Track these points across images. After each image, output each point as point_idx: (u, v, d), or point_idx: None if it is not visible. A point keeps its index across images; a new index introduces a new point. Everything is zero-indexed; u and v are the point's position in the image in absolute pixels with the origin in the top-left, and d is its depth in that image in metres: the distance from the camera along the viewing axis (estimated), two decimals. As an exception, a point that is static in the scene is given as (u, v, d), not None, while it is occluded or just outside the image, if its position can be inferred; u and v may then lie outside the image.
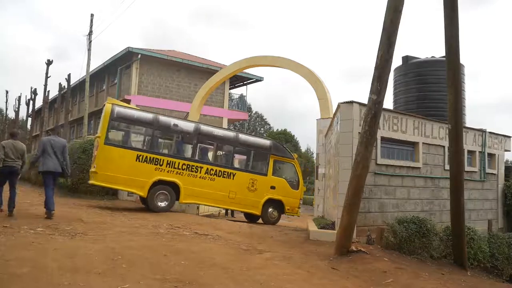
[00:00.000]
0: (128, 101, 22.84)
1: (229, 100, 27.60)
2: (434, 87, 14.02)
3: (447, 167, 10.46)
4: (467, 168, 11.55)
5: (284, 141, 40.72)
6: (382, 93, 7.10)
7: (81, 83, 27.57)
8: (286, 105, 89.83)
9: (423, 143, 10.65)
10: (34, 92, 35.41)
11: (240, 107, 28.94)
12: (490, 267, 8.42)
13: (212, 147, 12.88)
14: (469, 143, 12.18)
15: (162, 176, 11.44)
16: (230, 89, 28.27)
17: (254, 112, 57.19)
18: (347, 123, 9.15)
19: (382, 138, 9.64)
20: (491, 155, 13.43)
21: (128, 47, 22.81)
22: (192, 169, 11.87)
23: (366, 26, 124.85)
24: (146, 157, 11.31)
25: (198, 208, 16.45)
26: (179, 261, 5.54)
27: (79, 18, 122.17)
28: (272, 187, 12.72)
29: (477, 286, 6.70)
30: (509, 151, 14.52)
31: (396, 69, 15.31)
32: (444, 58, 7.97)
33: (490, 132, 13.32)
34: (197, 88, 21.80)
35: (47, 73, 30.59)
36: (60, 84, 30.55)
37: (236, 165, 13.43)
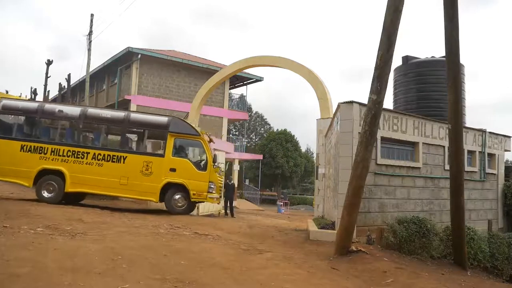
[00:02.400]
0: (128, 101, 22.89)
1: (229, 100, 27.61)
2: (434, 87, 14.03)
3: (447, 167, 10.46)
4: (467, 168, 11.56)
5: (284, 141, 40.69)
6: (382, 93, 7.10)
7: (81, 83, 27.57)
8: (286, 105, 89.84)
9: (423, 143, 10.65)
10: (34, 92, 35.42)
11: (240, 107, 28.95)
12: (490, 267, 8.42)
13: (101, 130, 12.14)
14: (469, 143, 12.18)
15: (46, 164, 11.25)
16: (230, 89, 28.28)
17: (254, 112, 57.15)
18: (347, 123, 9.15)
19: (382, 138, 9.64)
20: (491, 155, 13.43)
21: (128, 47, 22.82)
22: (78, 156, 11.36)
23: (366, 26, 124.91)
24: (30, 146, 11.32)
25: (198, 208, 16.48)
26: (179, 261, 5.54)
27: (80, 18, 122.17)
28: (172, 170, 11.38)
29: (477, 286, 6.70)
30: (509, 151, 14.52)
31: (396, 69, 15.32)
32: (444, 58, 7.97)
33: (490, 132, 13.33)
34: (197, 88, 21.81)
35: (47, 73, 30.61)
36: (60, 84, 30.58)
37: (130, 147, 12.32)
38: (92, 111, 12.35)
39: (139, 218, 10.04)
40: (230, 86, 28.00)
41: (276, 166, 39.48)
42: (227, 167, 18.37)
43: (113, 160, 11.38)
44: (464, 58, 16.15)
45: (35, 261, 4.70)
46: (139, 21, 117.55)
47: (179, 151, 11.74)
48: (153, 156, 11.64)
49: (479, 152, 12.74)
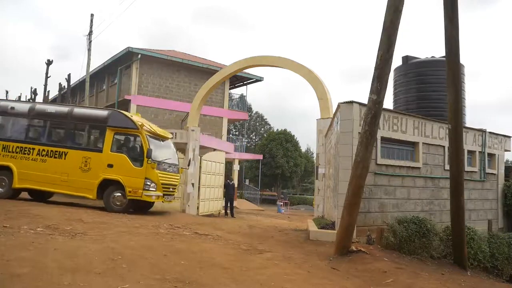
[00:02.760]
0: (128, 101, 22.88)
1: (229, 100, 27.60)
2: (434, 87, 14.02)
3: (447, 167, 10.46)
4: (467, 168, 11.56)
5: (284, 141, 40.68)
6: (382, 93, 7.10)
7: (81, 83, 27.57)
8: (286, 105, 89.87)
9: (423, 143, 10.65)
10: (34, 92, 35.44)
11: (240, 107, 28.94)
12: (490, 267, 8.42)
13: (46, 126, 12.05)
14: (469, 143, 12.18)
15: None
16: (230, 89, 28.27)
17: (254, 112, 57.15)
18: (347, 123, 9.15)
19: (382, 138, 9.64)
20: (491, 155, 13.43)
21: (128, 47, 22.81)
22: (25, 152, 11.51)
23: (366, 26, 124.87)
24: None
25: (198, 208, 16.47)
26: (179, 261, 5.54)
27: (80, 18, 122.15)
28: (110, 165, 10.92)
29: (477, 286, 6.70)
30: (509, 151, 14.52)
31: (396, 69, 15.31)
32: (444, 58, 7.97)
33: (490, 132, 13.33)
34: (197, 88, 21.80)
35: (47, 73, 30.60)
36: (60, 84, 30.56)
37: (71, 143, 11.79)
38: (39, 107, 12.49)
39: (139, 218, 10.04)
40: (230, 86, 27.99)
41: (276, 166, 39.47)
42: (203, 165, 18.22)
43: (55, 156, 11.33)
44: (464, 58, 16.12)
45: (35, 261, 4.70)
46: (139, 21, 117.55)
47: (119, 146, 11.30)
48: (92, 151, 11.24)
49: (479, 152, 12.74)
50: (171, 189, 11.81)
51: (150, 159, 10.75)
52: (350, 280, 5.72)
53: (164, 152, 11.88)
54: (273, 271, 5.65)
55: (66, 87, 28.22)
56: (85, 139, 11.88)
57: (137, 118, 11.53)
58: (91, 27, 24.03)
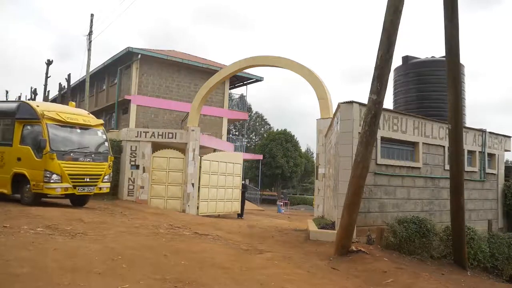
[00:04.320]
0: (128, 101, 22.88)
1: (229, 100, 27.60)
2: (434, 87, 14.02)
3: (447, 167, 10.46)
4: (467, 168, 11.55)
5: (284, 141, 40.68)
6: (382, 93, 7.10)
7: (81, 83, 27.57)
8: (286, 105, 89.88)
9: (423, 143, 10.65)
10: (34, 92, 35.46)
11: (240, 107, 28.94)
12: (490, 267, 8.43)
13: None
14: (469, 143, 12.18)
15: None
16: (230, 89, 28.27)
17: (254, 112, 57.14)
18: (347, 123, 9.14)
19: (382, 138, 9.64)
20: (491, 155, 13.43)
21: (128, 47, 22.81)
22: None
23: (366, 26, 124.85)
24: None
25: (198, 208, 16.46)
26: (179, 261, 5.54)
27: (80, 18, 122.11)
28: (19, 159, 10.89)
29: (477, 286, 6.70)
30: (509, 151, 14.52)
31: (396, 69, 15.31)
32: (444, 58, 7.97)
33: (490, 132, 13.32)
34: (197, 88, 21.80)
35: (47, 73, 30.61)
36: (60, 84, 30.58)
37: None
38: None
39: (139, 218, 10.04)
40: (230, 86, 27.99)
41: (276, 166, 39.46)
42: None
43: None
44: (464, 58, 16.16)
45: (35, 261, 4.71)
46: (139, 21, 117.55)
47: (26, 138, 11.03)
48: (5, 146, 11.27)
49: (479, 152, 12.73)
50: (87, 180, 11.19)
51: (49, 150, 10.36)
52: (350, 280, 5.72)
53: (80, 140, 11.44)
54: (273, 271, 5.65)
55: (66, 87, 28.23)
56: (0, 134, 11.76)
57: (43, 107, 11.23)
58: (91, 27, 24.04)
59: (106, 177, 11.78)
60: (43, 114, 10.71)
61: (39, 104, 11.65)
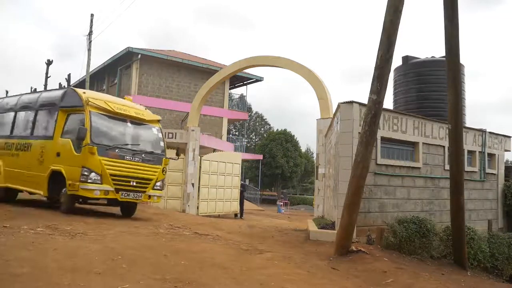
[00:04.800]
0: (128, 101, 22.88)
1: (229, 100, 27.61)
2: (434, 87, 14.02)
3: (447, 167, 10.46)
4: (467, 168, 11.55)
5: (284, 141, 40.69)
6: (382, 93, 7.10)
7: (81, 83, 27.58)
8: (286, 105, 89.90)
9: (423, 143, 10.65)
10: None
11: (240, 107, 28.95)
12: (490, 267, 8.43)
13: (14, 119, 11.16)
14: (469, 143, 12.18)
15: None
16: (230, 89, 28.29)
17: (254, 112, 57.16)
18: (347, 123, 9.15)
19: (382, 138, 9.64)
20: (491, 155, 13.43)
21: (128, 47, 22.82)
22: (8, 147, 10.70)
23: (366, 26, 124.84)
24: None
25: (198, 208, 16.47)
26: (179, 261, 5.54)
27: (80, 18, 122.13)
28: (58, 154, 9.25)
29: (477, 286, 6.70)
30: (509, 151, 14.52)
31: (396, 69, 15.31)
32: (444, 58, 7.97)
33: (490, 132, 13.32)
34: (197, 88, 21.81)
35: (47, 73, 30.62)
36: (60, 84, 30.59)
37: (33, 133, 10.43)
38: (1, 101, 12.32)
39: (139, 218, 10.04)
40: (230, 86, 28.00)
41: (276, 166, 39.48)
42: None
43: (24, 148, 10.21)
44: (464, 58, 16.18)
45: (35, 261, 4.70)
46: (139, 21, 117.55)
47: (69, 130, 9.35)
48: (46, 139, 9.72)
49: (479, 152, 12.73)
50: (133, 183, 9.27)
51: (89, 142, 8.64)
52: (350, 280, 5.73)
53: (129, 136, 9.69)
54: (273, 271, 5.65)
55: (66, 87, 28.23)
56: (42, 126, 10.15)
57: (90, 94, 9.59)
58: (91, 27, 24.06)
59: (158, 183, 9.84)
60: (87, 100, 9.05)
61: (86, 91, 10.05)
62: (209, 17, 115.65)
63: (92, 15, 24.27)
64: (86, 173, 8.60)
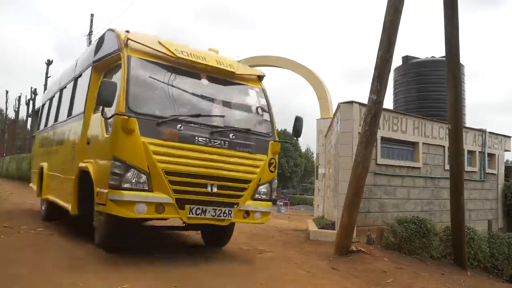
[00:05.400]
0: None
1: (229, 100, 27.58)
2: (434, 87, 14.03)
3: (447, 167, 10.46)
4: (467, 168, 11.56)
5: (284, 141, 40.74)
6: (382, 93, 7.10)
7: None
8: (286, 105, 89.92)
9: (423, 143, 10.66)
10: (34, 92, 35.46)
11: (240, 107, 28.92)
12: (490, 267, 8.43)
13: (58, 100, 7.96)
14: (469, 143, 12.19)
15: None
16: (230, 89, 28.24)
17: (254, 112, 57.20)
18: (347, 123, 9.15)
19: (382, 138, 9.65)
20: (491, 155, 13.43)
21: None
22: (51, 142, 7.76)
23: (366, 26, 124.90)
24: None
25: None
26: (179, 261, 5.50)
27: (81, 18, 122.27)
28: (88, 142, 5.65)
29: (477, 286, 6.70)
30: (509, 151, 14.53)
31: (396, 69, 15.32)
32: (444, 58, 7.97)
33: (490, 132, 13.33)
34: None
35: (47, 73, 30.64)
36: (60, 84, 30.58)
37: (71, 111, 6.80)
38: (53, 80, 9.48)
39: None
40: (230, 86, 27.97)
41: (276, 166, 39.49)
42: None
43: (60, 141, 7.02)
44: (464, 58, 16.17)
45: (35, 261, 4.70)
46: (139, 21, 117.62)
47: (103, 97, 4.80)
48: (77, 121, 6.12)
49: (479, 152, 12.74)
50: (212, 189, 5.05)
51: (123, 110, 4.68)
52: (350, 280, 5.72)
53: (207, 102, 5.53)
54: (273, 271, 5.65)
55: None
56: (77, 102, 6.58)
57: (134, 35, 5.33)
58: (91, 27, 24.08)
59: (262, 187, 5.54)
60: (125, 41, 5.11)
61: (130, 30, 5.47)
62: (209, 17, 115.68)
63: (92, 15, 24.30)
64: (117, 170, 4.59)
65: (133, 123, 4.60)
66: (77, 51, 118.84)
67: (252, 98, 5.99)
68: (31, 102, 36.24)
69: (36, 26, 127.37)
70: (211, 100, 5.57)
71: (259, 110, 5.92)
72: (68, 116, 6.82)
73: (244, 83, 5.96)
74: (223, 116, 5.45)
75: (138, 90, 4.91)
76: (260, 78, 6.24)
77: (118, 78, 5.07)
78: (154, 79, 5.16)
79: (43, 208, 7.94)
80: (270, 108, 5.96)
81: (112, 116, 4.69)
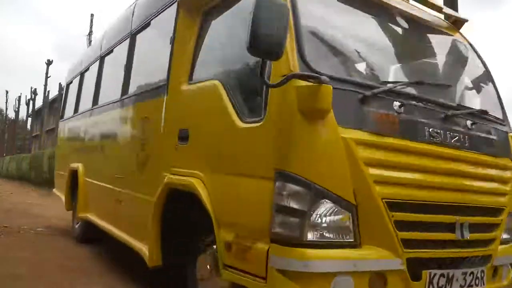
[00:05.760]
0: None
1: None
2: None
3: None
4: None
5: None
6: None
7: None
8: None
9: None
10: (34, 92, 35.52)
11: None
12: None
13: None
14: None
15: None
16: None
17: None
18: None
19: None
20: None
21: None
22: (89, 136, 5.47)
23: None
24: None
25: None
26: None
27: (81, 18, 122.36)
28: (183, 133, 2.84)
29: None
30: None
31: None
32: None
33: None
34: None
35: (47, 73, 30.68)
36: (60, 84, 30.56)
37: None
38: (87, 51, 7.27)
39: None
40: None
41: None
42: None
43: (109, 134, 4.77)
44: (464, 58, 16.12)
45: (35, 261, 4.69)
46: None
47: (273, 38, 1.88)
48: (150, 98, 3.55)
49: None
50: (463, 233, 2.39)
51: (300, 68, 2.06)
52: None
53: (419, 62, 3.09)
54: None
55: (66, 87, 28.22)
56: (143, 71, 4.11)
57: None
58: (91, 27, 24.11)
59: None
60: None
61: None
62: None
63: (92, 15, 24.31)
64: (294, 203, 2.01)
65: (327, 95, 2.00)
66: (77, 51, 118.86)
67: (469, 59, 3.36)
68: (31, 102, 36.27)
69: (36, 26, 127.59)
70: (428, 60, 3.15)
71: (480, 79, 3.33)
72: (122, 95, 4.21)
73: (452, 34, 3.32)
74: (450, 86, 2.95)
75: (314, 37, 2.38)
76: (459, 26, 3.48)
77: (234, 20, 2.74)
78: (334, 20, 2.62)
79: (76, 225, 5.83)
80: (491, 76, 3.37)
81: (282, 82, 2.00)
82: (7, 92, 42.38)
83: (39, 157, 18.62)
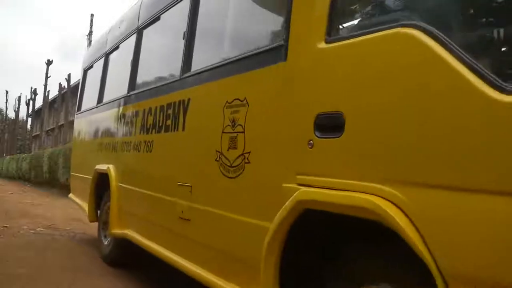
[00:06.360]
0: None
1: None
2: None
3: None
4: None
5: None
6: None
7: (81, 83, 27.49)
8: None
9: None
10: (34, 92, 35.52)
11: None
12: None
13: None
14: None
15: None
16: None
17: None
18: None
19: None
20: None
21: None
22: (127, 130, 4.22)
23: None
24: None
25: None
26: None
27: (81, 18, 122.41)
28: (339, 128, 1.59)
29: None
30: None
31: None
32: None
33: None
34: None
35: (47, 73, 30.68)
36: (60, 84, 30.61)
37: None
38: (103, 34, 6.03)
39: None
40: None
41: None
42: None
43: (161, 124, 3.31)
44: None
45: (35, 261, 4.68)
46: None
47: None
48: (247, 70, 2.27)
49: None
50: None
51: None
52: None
53: None
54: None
55: (66, 87, 28.24)
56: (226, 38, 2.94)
57: None
58: (91, 27, 24.09)
59: None
60: None
61: None
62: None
63: (92, 15, 24.30)
64: None
65: None
66: (77, 51, 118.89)
67: None
68: (31, 102, 36.29)
69: (37, 26, 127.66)
70: None
71: None
72: (184, 72, 3.04)
73: None
74: None
75: None
76: None
77: None
78: None
79: (105, 242, 4.71)
80: None
81: None
82: (7, 92, 42.47)
83: (39, 157, 18.61)
